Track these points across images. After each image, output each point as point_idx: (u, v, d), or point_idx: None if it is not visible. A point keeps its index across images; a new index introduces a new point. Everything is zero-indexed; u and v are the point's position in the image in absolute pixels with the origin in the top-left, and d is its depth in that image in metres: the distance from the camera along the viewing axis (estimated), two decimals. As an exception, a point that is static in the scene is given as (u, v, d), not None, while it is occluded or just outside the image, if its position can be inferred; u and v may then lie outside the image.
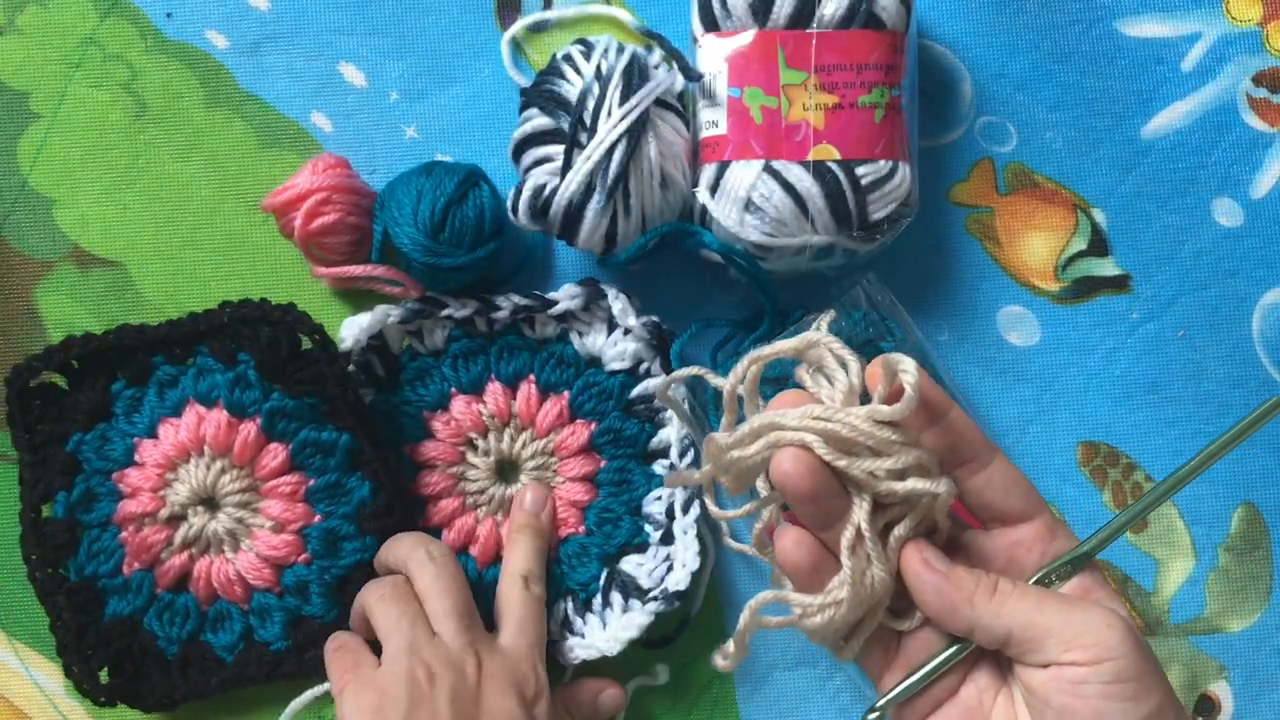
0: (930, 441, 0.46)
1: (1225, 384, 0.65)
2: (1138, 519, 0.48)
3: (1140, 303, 0.65)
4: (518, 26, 0.65)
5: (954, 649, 0.47)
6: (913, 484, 0.44)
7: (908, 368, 0.44)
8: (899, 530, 0.46)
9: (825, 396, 0.45)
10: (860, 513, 0.44)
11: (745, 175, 0.58)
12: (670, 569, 0.62)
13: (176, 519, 0.62)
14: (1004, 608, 0.44)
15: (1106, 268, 0.65)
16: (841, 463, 0.44)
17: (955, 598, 0.45)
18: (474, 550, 0.64)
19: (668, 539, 0.63)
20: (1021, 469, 0.46)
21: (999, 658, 0.46)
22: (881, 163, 0.59)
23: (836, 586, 0.45)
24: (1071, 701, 0.42)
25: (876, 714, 0.47)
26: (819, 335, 0.46)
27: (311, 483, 0.62)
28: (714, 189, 0.59)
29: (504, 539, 0.63)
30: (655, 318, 0.63)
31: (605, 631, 0.62)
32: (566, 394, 0.64)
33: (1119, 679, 0.42)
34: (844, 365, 0.45)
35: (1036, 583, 0.46)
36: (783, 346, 0.46)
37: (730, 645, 0.47)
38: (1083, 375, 0.65)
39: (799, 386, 0.46)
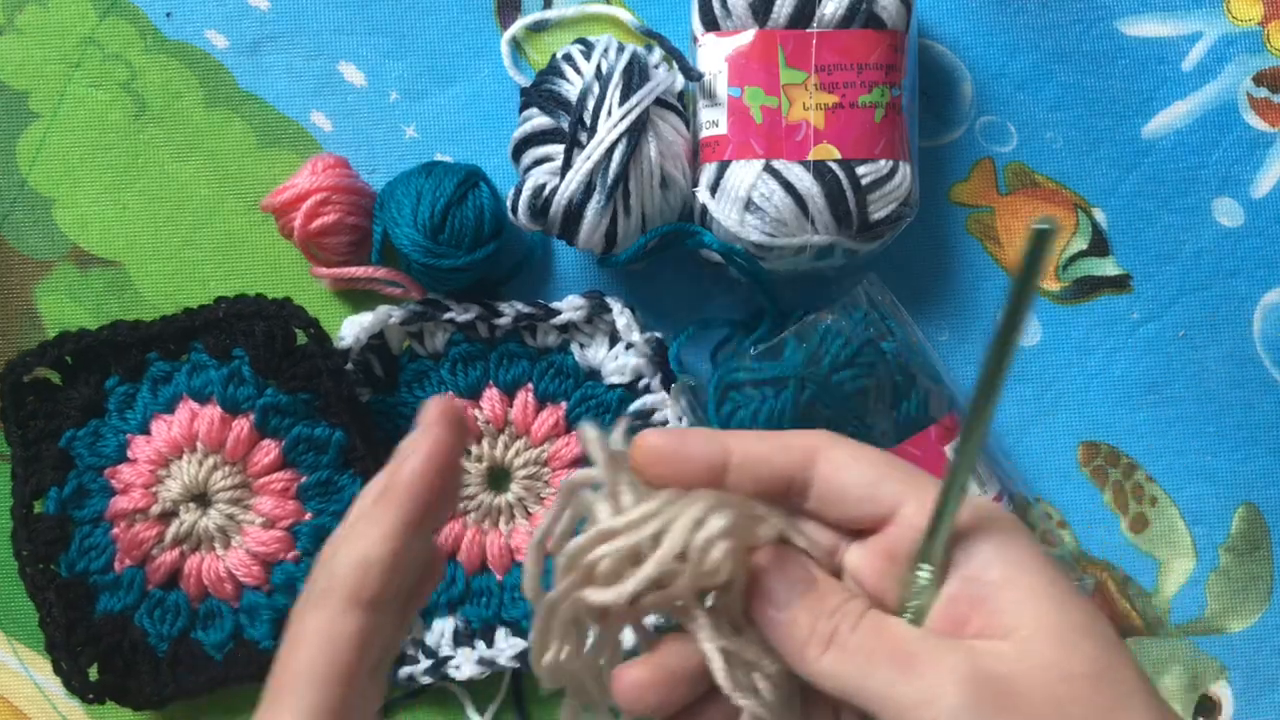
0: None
1: (1225, 384, 0.65)
2: (960, 489, 0.35)
3: (1141, 303, 0.65)
4: (518, 26, 0.65)
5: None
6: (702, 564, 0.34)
7: (587, 438, 0.35)
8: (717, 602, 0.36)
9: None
10: (705, 636, 0.36)
11: (745, 175, 0.58)
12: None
13: (168, 515, 0.62)
14: (831, 667, 0.35)
15: (1107, 268, 0.65)
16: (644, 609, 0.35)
17: (789, 648, 0.36)
18: (460, 557, 0.63)
19: None
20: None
21: None
22: (882, 162, 0.59)
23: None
24: None
25: None
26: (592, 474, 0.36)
27: (303, 480, 0.62)
28: (714, 189, 0.59)
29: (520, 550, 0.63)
30: (659, 334, 0.63)
31: None
32: (564, 405, 0.64)
33: None
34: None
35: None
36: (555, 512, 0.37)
37: None
38: (1083, 375, 0.65)
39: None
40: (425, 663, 0.63)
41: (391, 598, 0.36)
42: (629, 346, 0.63)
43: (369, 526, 0.36)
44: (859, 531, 0.38)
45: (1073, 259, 0.65)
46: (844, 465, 0.37)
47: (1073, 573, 0.64)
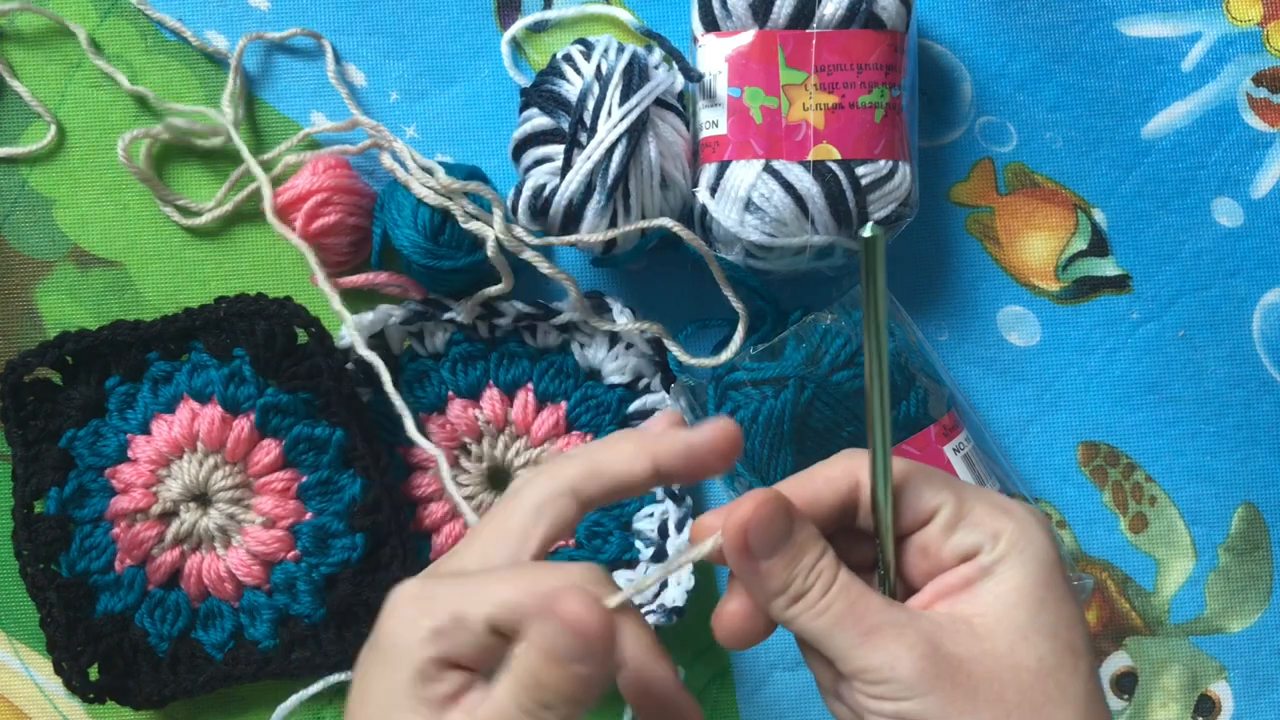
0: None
1: (1225, 384, 0.65)
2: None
3: (1140, 303, 0.65)
4: (518, 26, 0.65)
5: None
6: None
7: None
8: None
9: None
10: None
11: (745, 175, 0.58)
12: (664, 585, 0.62)
13: (168, 515, 0.62)
14: (797, 620, 0.39)
15: (1107, 268, 0.65)
16: None
17: (759, 597, 0.40)
18: None
19: (659, 557, 0.63)
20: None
21: None
22: (881, 163, 0.59)
23: None
24: None
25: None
26: None
27: (304, 479, 0.62)
28: (714, 189, 0.59)
29: None
30: (658, 326, 0.63)
31: None
32: (564, 405, 0.64)
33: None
34: None
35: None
36: None
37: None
38: (1083, 375, 0.65)
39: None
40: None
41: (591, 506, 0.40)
42: (629, 346, 0.63)
43: (626, 443, 0.40)
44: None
45: (1072, 259, 0.65)
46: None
47: (1072, 572, 0.64)
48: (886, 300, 0.37)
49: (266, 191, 0.62)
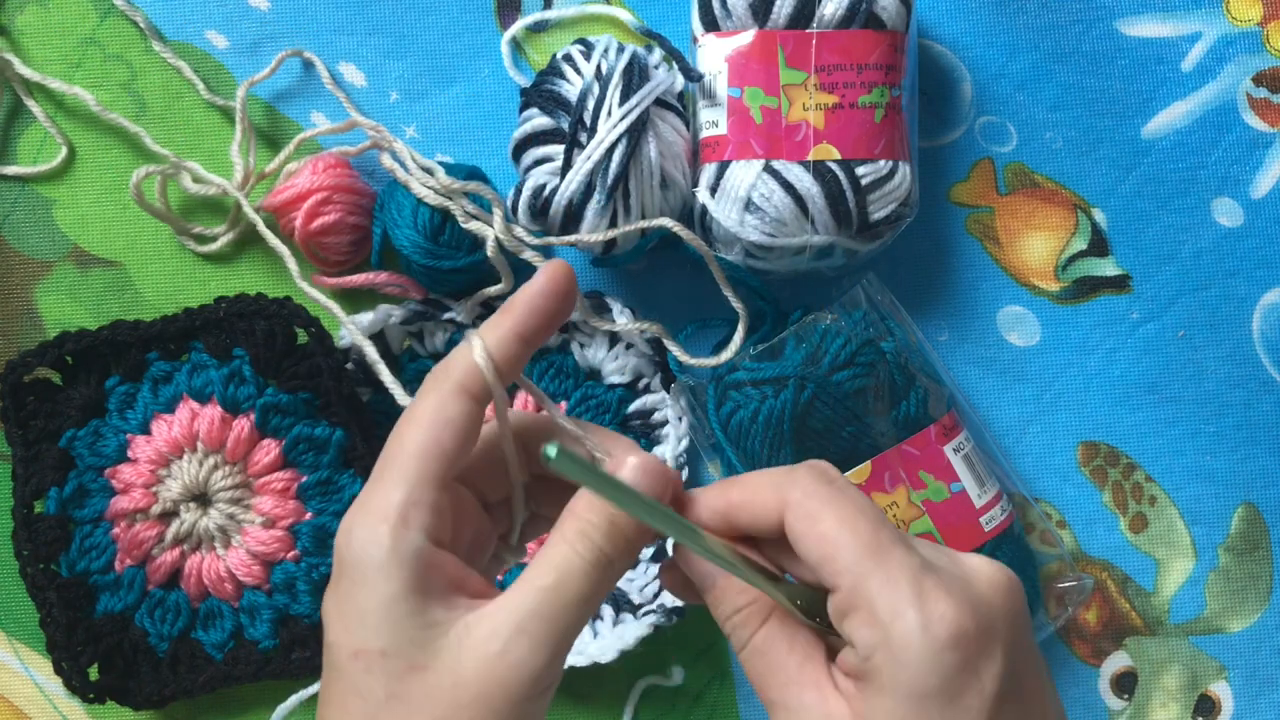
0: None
1: (1225, 384, 0.65)
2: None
3: (1140, 303, 0.65)
4: (518, 26, 0.65)
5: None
6: None
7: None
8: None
9: None
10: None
11: (745, 175, 0.58)
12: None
13: (168, 515, 0.62)
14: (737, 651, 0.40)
15: (1106, 268, 0.65)
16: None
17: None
18: None
19: (659, 557, 0.63)
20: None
21: None
22: (881, 163, 0.59)
23: None
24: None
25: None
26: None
27: (304, 479, 0.62)
28: (714, 189, 0.59)
29: None
30: (658, 326, 0.63)
31: (596, 641, 0.62)
32: (564, 405, 0.64)
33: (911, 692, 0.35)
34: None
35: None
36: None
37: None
38: (1083, 375, 0.65)
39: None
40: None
41: (487, 399, 0.40)
42: (629, 346, 0.63)
43: (486, 330, 0.40)
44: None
45: (1072, 259, 0.65)
46: (806, 525, 0.38)
47: (1072, 572, 0.64)
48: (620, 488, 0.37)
49: (288, 256, 0.62)
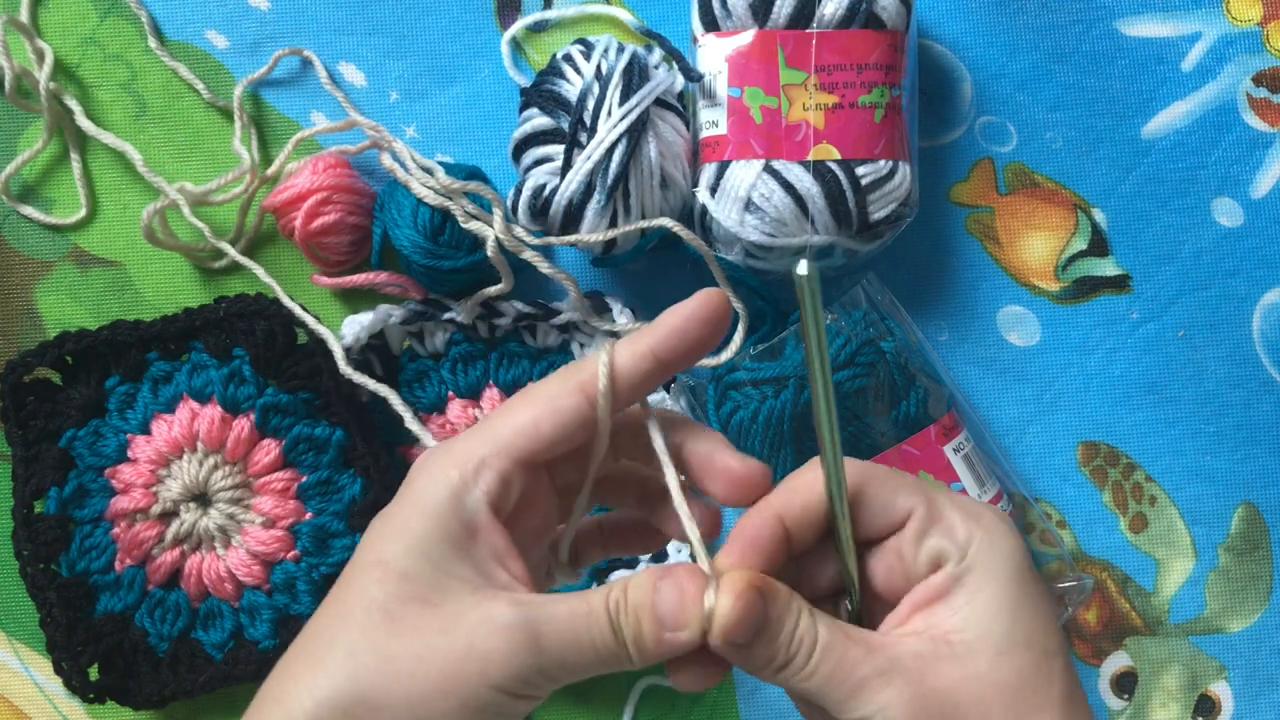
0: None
1: (1225, 384, 0.65)
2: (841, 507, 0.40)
3: (1140, 303, 0.65)
4: (518, 26, 0.65)
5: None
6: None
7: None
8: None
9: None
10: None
11: (745, 175, 0.58)
12: None
13: (168, 515, 0.62)
14: (786, 683, 0.39)
15: (1106, 268, 0.65)
16: None
17: (747, 668, 0.39)
18: None
19: (659, 559, 0.63)
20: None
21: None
22: (881, 163, 0.59)
23: None
24: None
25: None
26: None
27: (304, 479, 0.62)
28: (714, 189, 0.59)
29: None
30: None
31: None
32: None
33: None
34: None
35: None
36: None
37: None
38: (1083, 375, 0.65)
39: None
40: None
41: (607, 414, 0.40)
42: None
43: (624, 343, 0.40)
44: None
45: (1072, 259, 0.65)
46: (860, 492, 0.40)
47: (1072, 572, 0.64)
48: (827, 330, 0.37)
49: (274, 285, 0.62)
